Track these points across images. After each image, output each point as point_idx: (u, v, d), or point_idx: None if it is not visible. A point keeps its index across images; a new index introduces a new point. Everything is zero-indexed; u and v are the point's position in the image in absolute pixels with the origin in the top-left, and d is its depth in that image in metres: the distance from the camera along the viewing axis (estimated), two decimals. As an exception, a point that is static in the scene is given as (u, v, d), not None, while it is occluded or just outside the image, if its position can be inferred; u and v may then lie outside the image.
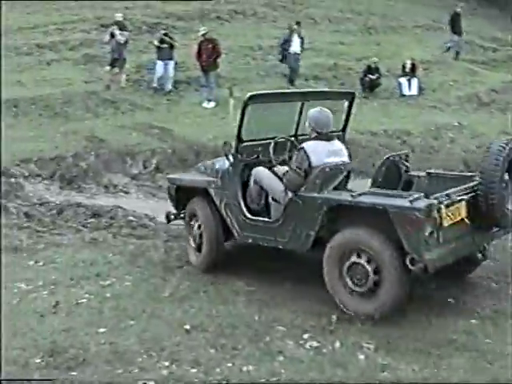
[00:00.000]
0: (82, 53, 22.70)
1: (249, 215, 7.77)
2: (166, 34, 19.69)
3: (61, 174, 13.74)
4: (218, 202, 8.05)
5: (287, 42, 20.80)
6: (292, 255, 8.82)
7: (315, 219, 7.01)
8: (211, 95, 18.58)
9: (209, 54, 18.66)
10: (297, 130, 8.59)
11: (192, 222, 8.38)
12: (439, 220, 6.42)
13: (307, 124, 7.48)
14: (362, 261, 6.65)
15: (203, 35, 18.86)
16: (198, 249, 8.27)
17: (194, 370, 5.53)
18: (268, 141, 8.11)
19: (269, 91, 10.04)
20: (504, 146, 6.88)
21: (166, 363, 5.64)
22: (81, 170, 13.95)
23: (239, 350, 5.92)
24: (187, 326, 6.38)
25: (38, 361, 5.66)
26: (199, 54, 18.81)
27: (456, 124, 17.95)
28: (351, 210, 6.78)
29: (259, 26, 26.60)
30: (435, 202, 6.43)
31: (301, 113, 8.42)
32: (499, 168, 6.79)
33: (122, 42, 19.65)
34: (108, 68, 19.69)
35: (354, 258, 6.71)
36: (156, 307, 6.88)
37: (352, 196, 6.71)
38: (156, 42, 19.83)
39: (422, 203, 6.36)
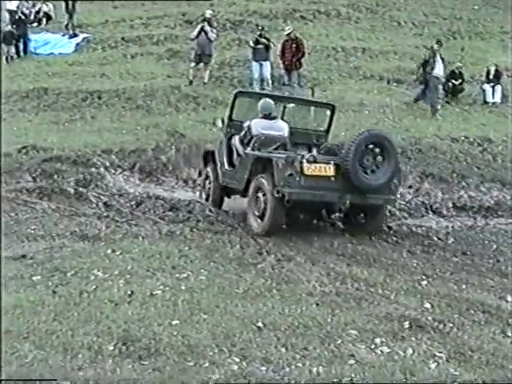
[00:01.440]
0: (166, 48, 23.01)
1: (226, 166, 11.42)
2: (260, 35, 19.56)
3: (141, 166, 13.98)
4: (217, 161, 11.69)
5: (428, 63, 19.08)
6: (368, 257, 8.84)
7: (248, 168, 10.58)
8: (293, 94, 18.51)
9: (293, 53, 18.65)
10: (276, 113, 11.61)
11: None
12: (299, 169, 9.68)
13: (259, 107, 11.25)
14: (260, 195, 10.12)
15: (288, 34, 18.84)
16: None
17: (263, 368, 5.52)
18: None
19: (255, 91, 13.60)
20: (360, 135, 10.06)
21: (237, 359, 5.64)
22: (160, 163, 14.17)
23: (310, 351, 5.88)
24: (259, 324, 6.38)
25: (111, 348, 5.73)
26: (283, 52, 18.79)
27: (540, 133, 17.52)
28: (263, 161, 10.33)
29: (342, 26, 26.47)
30: (298, 156, 9.91)
31: (283, 114, 11.97)
32: (353, 149, 9.83)
33: (213, 38, 19.84)
34: (193, 64, 19.82)
35: (258, 194, 10.20)
36: (229, 303, 6.89)
37: (261, 153, 10.57)
38: (251, 43, 19.77)
39: (287, 156, 9.89)
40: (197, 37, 19.80)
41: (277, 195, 9.70)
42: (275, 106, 11.58)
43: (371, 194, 10.23)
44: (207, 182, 12.17)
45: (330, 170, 9.90)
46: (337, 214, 10.26)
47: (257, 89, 18.81)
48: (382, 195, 10.41)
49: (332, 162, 9.98)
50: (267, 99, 11.42)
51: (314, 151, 11.38)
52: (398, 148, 11.27)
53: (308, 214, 10.97)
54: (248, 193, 10.57)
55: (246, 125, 11.15)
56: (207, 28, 19.73)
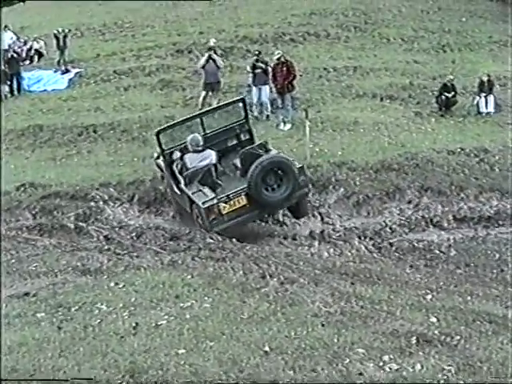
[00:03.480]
0: (159, 78, 23.06)
1: (175, 190, 12.80)
2: (257, 60, 19.54)
3: (140, 197, 14.02)
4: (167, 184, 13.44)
5: None
6: (371, 274, 8.83)
7: (186, 199, 12.39)
8: (287, 117, 18.57)
9: (284, 76, 18.68)
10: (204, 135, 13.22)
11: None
12: (218, 211, 11.69)
13: (188, 143, 12.81)
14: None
15: (278, 59, 18.91)
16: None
17: (273, 392, 5.51)
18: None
19: (171, 123, 14.16)
20: (260, 164, 11.83)
21: (245, 385, 5.64)
22: (159, 193, 14.17)
23: (318, 372, 5.85)
24: (266, 348, 6.35)
25: (119, 381, 5.72)
26: (274, 76, 18.84)
27: (536, 141, 17.54)
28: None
29: (332, 46, 26.54)
30: (215, 202, 11.76)
31: (202, 125, 13.29)
32: (254, 180, 11.69)
33: (222, 66, 19.96)
34: (204, 93, 19.83)
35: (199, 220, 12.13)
36: (235, 329, 6.87)
37: (191, 193, 12.16)
38: (248, 68, 19.78)
39: (206, 204, 11.70)
40: (203, 66, 19.84)
41: (211, 232, 11.70)
42: (193, 124, 13.40)
43: (283, 202, 12.27)
44: (168, 189, 13.73)
45: (242, 201, 11.99)
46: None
47: (256, 113, 18.96)
48: (294, 194, 12.28)
49: (242, 193, 11.96)
50: (195, 135, 12.98)
51: (242, 137, 13.58)
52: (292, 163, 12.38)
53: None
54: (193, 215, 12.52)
55: (176, 157, 12.92)
56: (215, 56, 19.84)
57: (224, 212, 11.78)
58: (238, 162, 12.72)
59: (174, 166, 12.92)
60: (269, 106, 19.24)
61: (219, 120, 13.86)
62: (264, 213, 12.50)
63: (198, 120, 13.45)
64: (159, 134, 12.98)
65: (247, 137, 13.69)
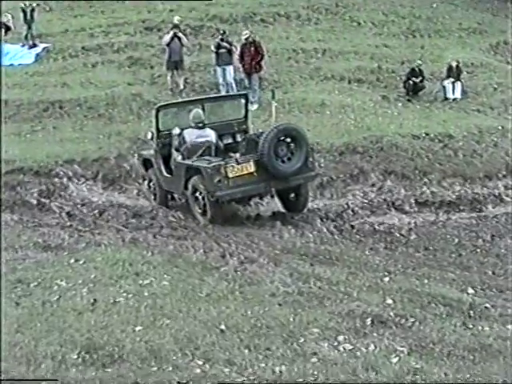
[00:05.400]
0: (127, 55, 22.87)
1: (164, 173, 12.49)
2: (222, 39, 19.48)
3: (104, 174, 13.97)
4: (155, 168, 12.77)
5: None
6: (331, 256, 8.91)
7: (182, 174, 11.89)
8: (254, 97, 18.54)
9: (252, 56, 18.66)
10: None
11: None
12: (224, 173, 11.18)
13: (189, 118, 12.33)
14: (198, 195, 11.55)
15: (246, 39, 18.87)
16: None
17: (227, 370, 5.56)
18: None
19: (173, 101, 14.35)
20: (271, 131, 11.45)
21: (200, 362, 5.68)
22: (124, 171, 14.16)
23: (273, 351, 5.93)
24: (222, 326, 6.42)
25: (75, 357, 5.75)
26: (242, 56, 18.81)
27: (500, 128, 17.71)
28: (193, 168, 11.66)
29: (302, 28, 26.47)
30: (222, 163, 11.34)
31: (203, 111, 12.62)
32: (267, 144, 11.30)
33: (187, 44, 19.89)
34: (170, 72, 19.75)
35: (196, 194, 11.60)
36: (192, 307, 6.93)
37: (191, 162, 11.79)
38: (213, 48, 19.73)
39: (212, 164, 11.29)
40: (168, 44, 19.74)
41: (211, 199, 11.32)
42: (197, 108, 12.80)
43: (291, 177, 11.82)
44: (151, 183, 13.25)
45: (250, 168, 11.52)
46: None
47: (223, 93, 18.88)
48: (302, 175, 11.96)
49: (251, 159, 11.56)
50: (198, 110, 12.57)
51: (239, 137, 13.14)
52: (306, 135, 12.23)
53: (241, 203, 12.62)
54: (187, 194, 12.01)
55: (175, 132, 12.36)
56: (180, 34, 19.77)
57: (230, 175, 11.27)
58: (241, 146, 12.35)
59: (173, 142, 12.43)
60: (234, 86, 19.22)
61: (219, 111, 13.66)
62: (269, 188, 11.80)
63: (200, 106, 12.95)
64: (159, 110, 12.69)
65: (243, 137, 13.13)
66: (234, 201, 11.99)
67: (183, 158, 12.16)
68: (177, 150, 12.28)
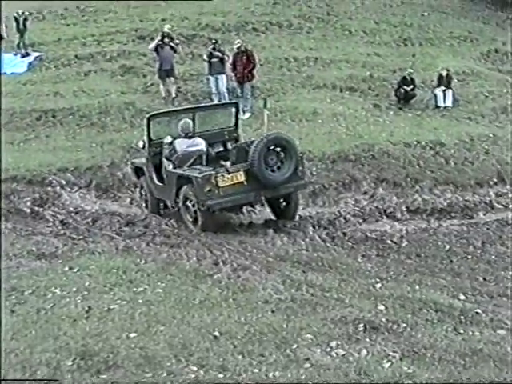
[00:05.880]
0: (119, 64, 22.94)
1: (156, 182, 12.57)
2: (214, 48, 19.49)
3: (97, 183, 14.01)
4: (147, 177, 12.76)
5: None
6: (323, 263, 8.97)
7: (173, 183, 11.95)
8: (246, 106, 18.61)
9: (244, 65, 18.74)
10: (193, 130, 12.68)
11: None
12: (215, 183, 11.21)
13: (178, 129, 12.42)
14: (189, 204, 11.64)
15: (238, 48, 18.94)
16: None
17: (220, 376, 5.61)
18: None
19: (164, 110, 14.55)
20: (261, 141, 11.48)
21: (194, 368, 5.72)
22: (116, 179, 14.20)
23: (266, 357, 5.98)
24: (216, 333, 6.46)
25: (70, 363, 5.79)
26: (234, 65, 18.89)
27: (491, 135, 17.82)
28: (184, 177, 11.72)
29: (294, 37, 26.59)
30: (213, 172, 11.34)
31: (193, 121, 12.73)
32: (257, 154, 11.33)
33: (180, 51, 19.95)
34: (162, 81, 19.80)
35: (187, 203, 11.68)
36: (186, 314, 6.98)
37: (182, 171, 11.84)
38: (205, 57, 19.73)
39: (203, 174, 11.32)
40: (155, 50, 19.82)
41: (202, 208, 11.39)
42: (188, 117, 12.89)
43: (281, 186, 11.87)
44: (142, 191, 13.36)
45: (241, 177, 11.57)
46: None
47: (216, 102, 18.90)
48: (292, 183, 12.02)
49: (241, 169, 11.61)
50: (186, 120, 12.64)
51: (229, 145, 13.26)
52: (296, 144, 12.29)
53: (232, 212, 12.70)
54: (179, 203, 12.06)
55: (166, 141, 12.38)
56: (172, 43, 19.85)
57: (221, 185, 11.32)
58: (232, 155, 12.21)
59: (164, 151, 12.42)
60: (226, 95, 19.28)
61: (210, 120, 13.74)
62: (259, 197, 11.88)
63: (191, 115, 13.05)
64: (151, 119, 12.70)
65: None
66: (224, 210, 12.02)
67: (174, 167, 12.21)
68: (168, 159, 12.32)
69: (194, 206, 11.62)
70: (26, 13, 25.53)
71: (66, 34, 26.76)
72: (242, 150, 12.03)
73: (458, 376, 5.67)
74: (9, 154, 15.91)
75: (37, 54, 24.57)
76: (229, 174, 11.48)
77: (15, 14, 24.97)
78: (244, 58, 18.74)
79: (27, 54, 24.36)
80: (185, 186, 11.77)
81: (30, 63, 23.91)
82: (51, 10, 29.91)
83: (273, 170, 11.66)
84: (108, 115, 18.47)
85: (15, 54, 24.51)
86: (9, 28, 25.93)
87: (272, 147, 11.65)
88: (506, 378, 5.62)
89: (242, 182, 11.57)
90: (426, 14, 30.41)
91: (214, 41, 20.28)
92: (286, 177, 11.76)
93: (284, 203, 12.61)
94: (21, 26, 24.74)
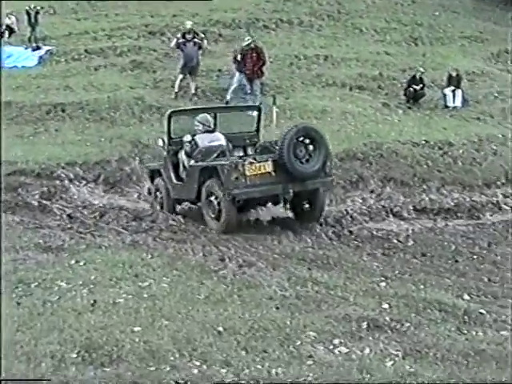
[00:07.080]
0: (130, 59, 22.97)
1: (174, 181, 12.20)
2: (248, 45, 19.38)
3: (105, 177, 14.06)
4: (165, 177, 12.39)
5: None
6: (329, 261, 8.99)
7: (195, 178, 11.56)
8: (255, 103, 18.56)
9: (253, 62, 18.75)
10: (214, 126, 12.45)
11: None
12: (242, 171, 10.80)
13: (196, 125, 12.19)
14: (213, 199, 11.18)
15: (248, 45, 18.94)
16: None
17: (223, 371, 5.63)
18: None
19: (186, 108, 14.62)
20: (290, 130, 11.10)
21: (197, 363, 5.76)
22: (125, 174, 14.25)
23: (269, 353, 6.00)
24: (220, 328, 6.49)
25: (74, 356, 5.82)
26: (244, 62, 18.88)
27: (499, 136, 17.82)
28: (209, 170, 11.34)
29: (305, 34, 26.60)
30: (240, 161, 11.04)
31: (215, 122, 12.45)
32: (286, 144, 10.91)
33: (207, 48, 20.39)
34: (181, 76, 19.81)
35: (210, 198, 11.24)
36: (191, 309, 7.01)
37: (207, 162, 11.51)
38: (239, 58, 19.36)
39: (230, 161, 11.04)
40: (178, 47, 19.83)
41: (228, 198, 10.92)
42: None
43: (309, 180, 11.42)
44: (158, 193, 12.86)
45: (268, 167, 11.14)
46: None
47: (228, 98, 19.00)
48: (319, 179, 11.58)
49: (270, 159, 11.24)
50: (205, 114, 12.43)
51: (249, 150, 12.78)
52: (326, 137, 11.82)
53: (257, 207, 12.16)
54: (200, 199, 11.63)
55: (186, 139, 12.05)
56: (196, 38, 19.87)
57: (248, 173, 10.85)
58: (256, 153, 12.06)
59: (185, 148, 12.04)
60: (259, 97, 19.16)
61: (230, 122, 13.32)
62: (287, 189, 11.14)
63: (212, 115, 12.61)
64: (171, 116, 12.39)
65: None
66: (249, 204, 11.61)
67: (196, 162, 11.81)
68: (188, 155, 11.94)
69: (217, 199, 11.15)
70: (38, 7, 25.62)
71: (76, 29, 26.82)
72: (266, 149, 11.92)
73: (461, 376, 5.68)
74: (18, 147, 15.97)
75: (47, 47, 24.64)
76: (257, 162, 11.10)
77: (27, 8, 25.09)
78: (254, 54, 18.76)
79: (38, 48, 24.44)
80: (208, 181, 11.32)
81: (40, 57, 23.97)
82: (62, 5, 29.97)
83: (301, 162, 11.18)
84: (117, 110, 18.51)
85: (26, 48, 24.60)
86: (20, 22, 26.05)
87: (301, 138, 11.21)
88: (508, 379, 5.64)
89: (270, 173, 11.13)
90: (436, 13, 30.36)
91: (248, 38, 20.06)
92: (315, 170, 11.31)
93: (307, 205, 12.03)
94: (32, 20, 24.87)
